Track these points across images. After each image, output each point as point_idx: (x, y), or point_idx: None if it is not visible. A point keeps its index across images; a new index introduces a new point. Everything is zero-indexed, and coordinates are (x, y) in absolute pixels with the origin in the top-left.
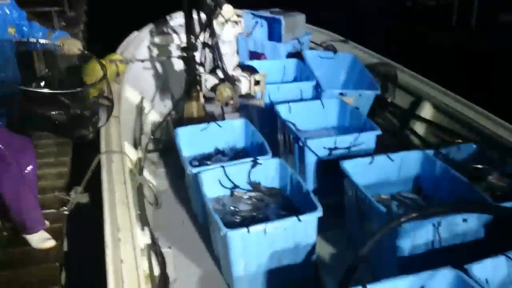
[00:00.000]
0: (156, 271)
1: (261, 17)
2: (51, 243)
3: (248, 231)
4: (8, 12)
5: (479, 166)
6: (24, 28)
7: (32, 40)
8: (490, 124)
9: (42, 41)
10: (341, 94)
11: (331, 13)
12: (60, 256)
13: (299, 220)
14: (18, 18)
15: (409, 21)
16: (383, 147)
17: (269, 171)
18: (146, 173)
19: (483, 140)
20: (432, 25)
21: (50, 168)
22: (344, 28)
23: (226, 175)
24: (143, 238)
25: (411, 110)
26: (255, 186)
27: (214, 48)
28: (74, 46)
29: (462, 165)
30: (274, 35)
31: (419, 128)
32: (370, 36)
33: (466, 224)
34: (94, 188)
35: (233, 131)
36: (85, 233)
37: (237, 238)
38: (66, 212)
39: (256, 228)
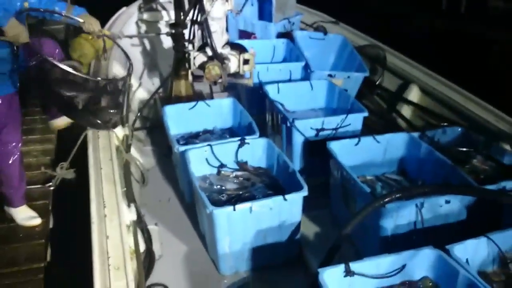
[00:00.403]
0: (142, 247)
1: None
2: (36, 221)
3: (234, 209)
4: None
5: (464, 149)
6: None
7: (57, 12)
8: (476, 108)
9: (64, 13)
10: (330, 75)
11: None
12: (46, 233)
13: (285, 199)
14: None
15: (399, 5)
16: (370, 129)
17: (256, 150)
18: (133, 151)
19: (469, 124)
20: (423, 9)
21: (36, 145)
22: (335, 9)
23: (213, 154)
24: (129, 215)
25: (399, 93)
26: (242, 165)
27: (204, 25)
28: (95, 25)
29: (447, 148)
30: (264, 14)
31: (406, 111)
32: (360, 18)
33: (449, 206)
34: (81, 165)
35: (221, 110)
36: (70, 210)
37: (223, 216)
38: (51, 188)
39: (242, 206)
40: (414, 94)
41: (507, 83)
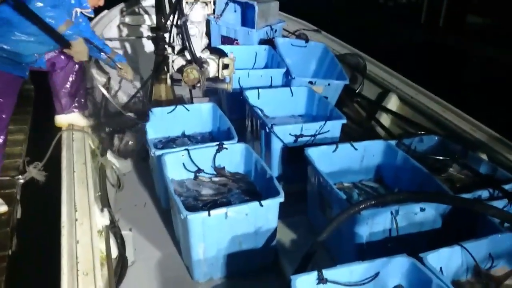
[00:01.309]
0: (115, 253)
1: (234, 1)
2: (3, 208)
3: (209, 215)
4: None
5: (440, 157)
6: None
7: (104, 51)
8: (454, 117)
9: (107, 55)
10: (311, 82)
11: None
12: (11, 222)
13: (261, 205)
14: (85, 30)
15: (379, 18)
16: (349, 137)
17: (234, 156)
18: (109, 154)
19: (446, 132)
20: (402, 22)
21: (8, 135)
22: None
23: (191, 159)
24: (102, 220)
25: (378, 101)
26: (219, 171)
27: (182, 28)
28: (129, 75)
29: (423, 156)
30: (247, 21)
31: (385, 119)
32: (342, 29)
33: (424, 214)
34: (54, 164)
35: (200, 114)
36: (39, 202)
37: (197, 221)
38: (20, 181)
39: (217, 212)
40: (393, 103)
41: (482, 94)
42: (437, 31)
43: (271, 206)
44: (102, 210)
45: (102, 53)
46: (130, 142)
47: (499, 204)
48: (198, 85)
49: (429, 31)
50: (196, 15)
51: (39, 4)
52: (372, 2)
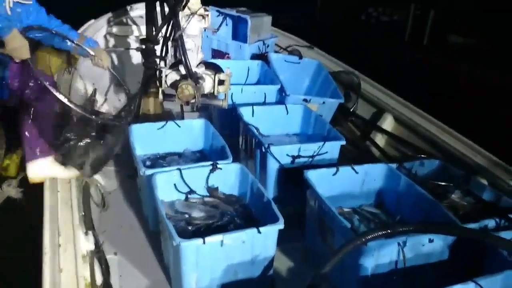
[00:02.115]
0: (99, 280)
1: (227, 15)
2: None
3: (204, 242)
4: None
5: (442, 183)
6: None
7: (69, 38)
8: (452, 139)
9: (75, 42)
10: (305, 100)
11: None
12: None
13: (259, 231)
14: (36, 20)
15: (362, 34)
16: (344, 157)
17: (228, 176)
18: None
19: (444, 156)
20: (385, 39)
21: None
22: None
23: (183, 179)
24: (86, 244)
25: (372, 121)
26: (212, 192)
27: (178, 42)
28: (105, 61)
29: (424, 181)
30: (239, 35)
31: (380, 139)
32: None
33: (432, 245)
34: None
35: (192, 131)
36: (15, 226)
37: (191, 249)
38: None
39: (213, 239)
40: (388, 123)
41: (464, 111)
42: (421, 49)
43: (270, 233)
44: (86, 233)
45: (67, 41)
46: (94, 156)
47: (507, 234)
48: (192, 101)
49: (413, 49)
50: (192, 28)
51: None
52: (354, 19)
